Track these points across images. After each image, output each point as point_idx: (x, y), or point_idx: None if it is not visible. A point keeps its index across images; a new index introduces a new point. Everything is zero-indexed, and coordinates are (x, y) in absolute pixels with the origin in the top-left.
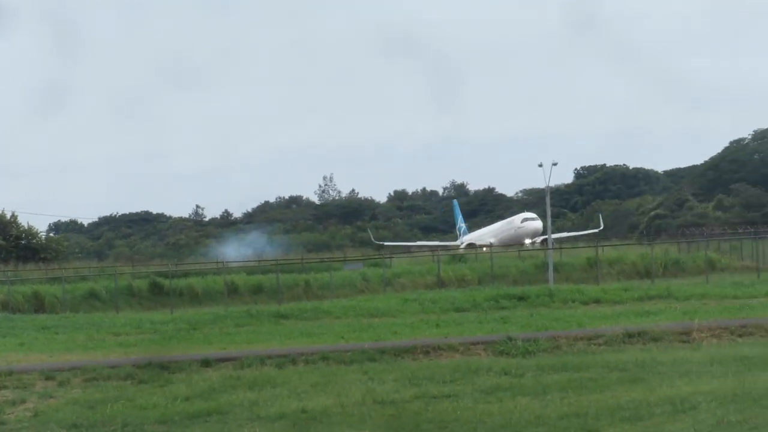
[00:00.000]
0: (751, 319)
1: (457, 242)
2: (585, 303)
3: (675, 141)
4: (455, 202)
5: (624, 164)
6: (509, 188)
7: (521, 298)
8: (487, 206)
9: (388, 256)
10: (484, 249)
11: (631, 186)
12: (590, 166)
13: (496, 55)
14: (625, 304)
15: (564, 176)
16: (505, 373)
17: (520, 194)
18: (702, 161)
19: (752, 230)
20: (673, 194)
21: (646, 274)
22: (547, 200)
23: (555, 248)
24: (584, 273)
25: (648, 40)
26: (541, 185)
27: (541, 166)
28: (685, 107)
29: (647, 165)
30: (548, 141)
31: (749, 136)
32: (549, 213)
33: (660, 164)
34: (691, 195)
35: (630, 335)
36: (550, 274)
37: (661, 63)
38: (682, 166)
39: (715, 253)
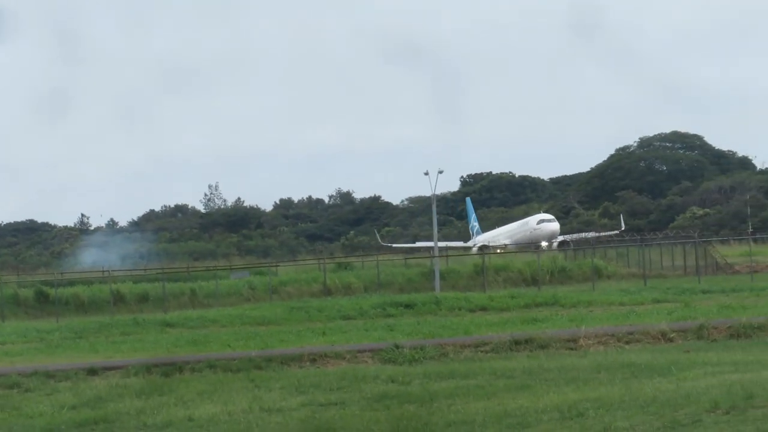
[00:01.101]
0: (637, 326)
1: (470, 243)
2: (472, 310)
3: (561, 149)
4: (468, 200)
5: (510, 172)
6: (395, 196)
7: (408, 306)
8: (373, 214)
9: (274, 264)
10: (498, 251)
11: (517, 194)
12: (476, 174)
13: (382, 63)
14: (512, 311)
15: (450, 184)
16: (392, 381)
17: (406, 202)
18: (588, 169)
19: (638, 237)
20: (560, 202)
21: (533, 281)
22: (434, 208)
23: (441, 255)
24: (471, 280)
25: (533, 47)
26: (428, 193)
27: (427, 174)
28: (572, 117)
29: (533, 173)
30: (434, 149)
31: (635, 144)
32: (435, 221)
33: (546, 172)
34: (577, 202)
35: (517, 342)
36: (437, 281)
37: (548, 71)
38: (569, 173)
39: (602, 261)
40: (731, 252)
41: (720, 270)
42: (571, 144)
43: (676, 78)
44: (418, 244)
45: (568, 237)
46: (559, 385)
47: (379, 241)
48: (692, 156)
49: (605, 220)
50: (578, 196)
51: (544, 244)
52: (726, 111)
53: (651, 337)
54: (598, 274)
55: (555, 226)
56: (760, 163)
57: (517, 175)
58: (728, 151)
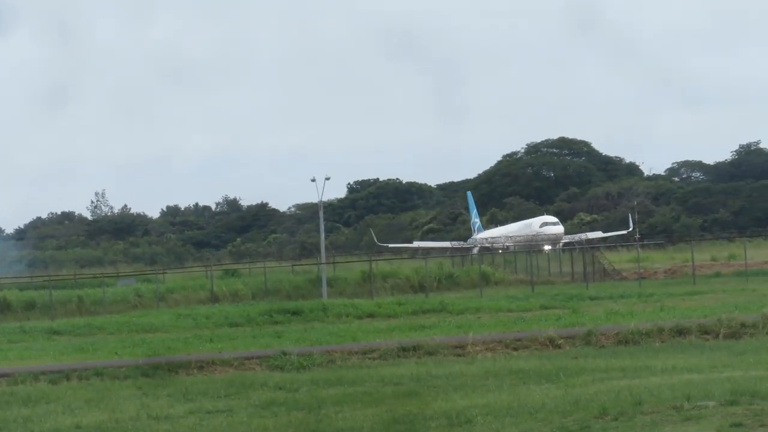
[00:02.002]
0: (525, 333)
1: (470, 242)
2: (359, 317)
3: (449, 155)
4: (469, 194)
5: (397, 178)
6: (282, 203)
7: (295, 313)
8: (260, 221)
9: (161, 271)
10: (500, 251)
11: (405, 200)
12: (363, 181)
13: (272, 69)
14: (400, 318)
15: (337, 191)
16: (280, 388)
17: (293, 209)
18: (475, 175)
19: (526, 243)
20: (447, 208)
21: (420, 288)
22: (320, 215)
23: (328, 263)
24: (358, 287)
25: (426, 55)
26: (315, 200)
27: (314, 180)
28: (460, 124)
29: (421, 179)
30: (322, 155)
31: (522, 150)
32: (322, 228)
33: (433, 178)
34: (465, 209)
35: (405, 349)
36: (324, 288)
37: (437, 77)
38: (456, 180)
39: (489, 267)
40: (619, 258)
41: (608, 276)
42: (459, 150)
43: (555, 87)
44: (416, 243)
45: (574, 237)
46: (448, 391)
47: (375, 240)
48: (579, 162)
49: (492, 226)
50: (466, 203)
51: (547, 247)
52: (612, 118)
53: (539, 343)
54: (485, 280)
55: (559, 229)
56: (647, 170)
57: (404, 182)
58: (615, 157)
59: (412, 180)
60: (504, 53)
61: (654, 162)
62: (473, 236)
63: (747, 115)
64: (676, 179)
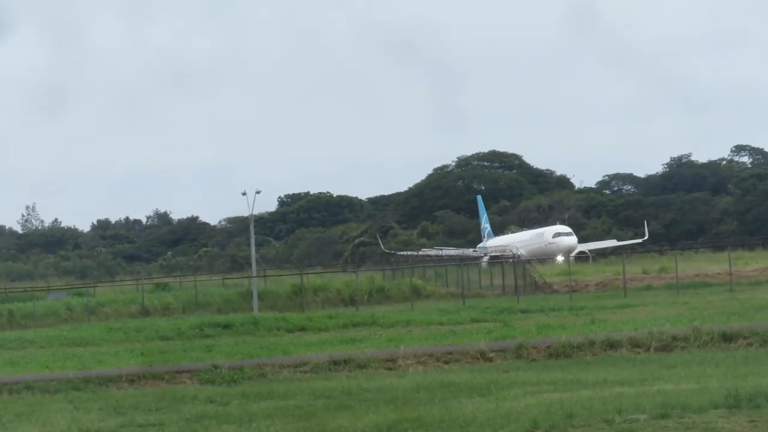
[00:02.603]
0: (456, 346)
1: (479, 249)
2: (290, 331)
3: (381, 169)
4: (479, 198)
5: (328, 192)
6: (213, 217)
7: (226, 327)
8: (191, 235)
9: (92, 284)
10: (510, 261)
11: (336, 214)
12: (294, 194)
13: (196, 83)
14: (331, 331)
15: (268, 204)
16: (211, 402)
17: (224, 222)
18: (406, 188)
19: (457, 256)
20: (378, 222)
21: (351, 301)
22: (251, 228)
23: (259, 276)
24: (289, 301)
25: (354, 66)
26: (246, 213)
27: (244, 194)
28: (391, 136)
29: (351, 192)
30: (253, 169)
31: (453, 163)
32: (253, 241)
33: (364, 192)
34: (396, 222)
35: (336, 362)
36: (255, 302)
37: (374, 93)
38: (387, 193)
39: (420, 280)
40: (550, 271)
41: (539, 289)
42: (389, 163)
43: (484, 99)
44: (424, 251)
45: (590, 246)
46: (378, 405)
47: (382, 247)
48: (510, 175)
49: (423, 240)
50: (396, 216)
51: (559, 259)
52: (542, 127)
53: (470, 356)
54: (416, 293)
55: (572, 240)
56: (578, 182)
57: (335, 195)
58: (546, 170)
59: (343, 193)
60: (437, 65)
61: (585, 175)
62: (483, 243)
63: (678, 127)
64: (607, 192)
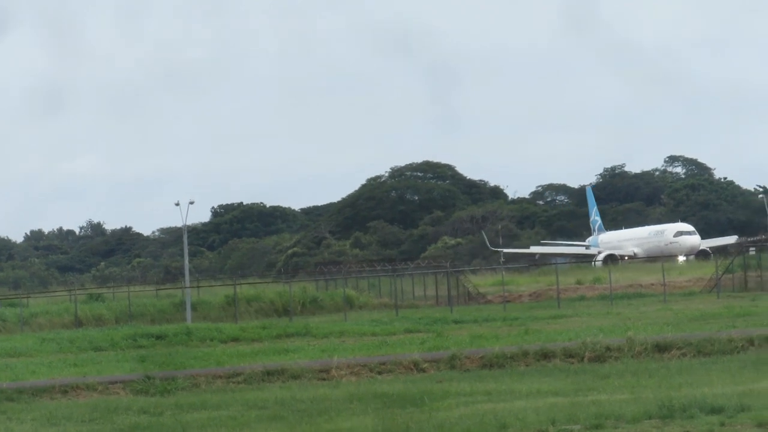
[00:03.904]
0: (390, 356)
1: (590, 242)
2: (223, 341)
3: (315, 180)
4: (589, 189)
5: (261, 202)
6: (146, 227)
7: (159, 337)
8: (124, 245)
9: (25, 295)
10: (626, 258)
11: (269, 224)
12: (227, 205)
13: (132, 93)
14: (264, 341)
15: (201, 215)
16: (144, 412)
17: (157, 233)
18: (340, 198)
19: (390, 267)
20: (311, 232)
21: (285, 311)
22: (185, 239)
23: (192, 287)
24: (223, 311)
25: (288, 75)
26: (179, 224)
27: (178, 204)
28: (320, 146)
29: (285, 203)
30: (187, 179)
31: (386, 174)
32: (186, 252)
33: (297, 202)
34: (329, 233)
35: (269, 373)
36: (188, 312)
37: (307, 103)
38: (320, 204)
39: (353, 291)
40: (483, 281)
41: (472, 300)
42: (323, 174)
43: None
44: (533, 248)
45: (712, 243)
46: (312, 415)
47: (487, 244)
48: (444, 185)
49: (356, 250)
50: (330, 226)
51: (681, 258)
52: (476, 138)
53: (403, 367)
54: (350, 304)
55: (696, 240)
56: (511, 193)
57: (268, 206)
58: (480, 180)
59: (276, 204)
60: (365, 77)
61: (519, 185)
62: (594, 236)
63: (612, 138)
64: (541, 203)
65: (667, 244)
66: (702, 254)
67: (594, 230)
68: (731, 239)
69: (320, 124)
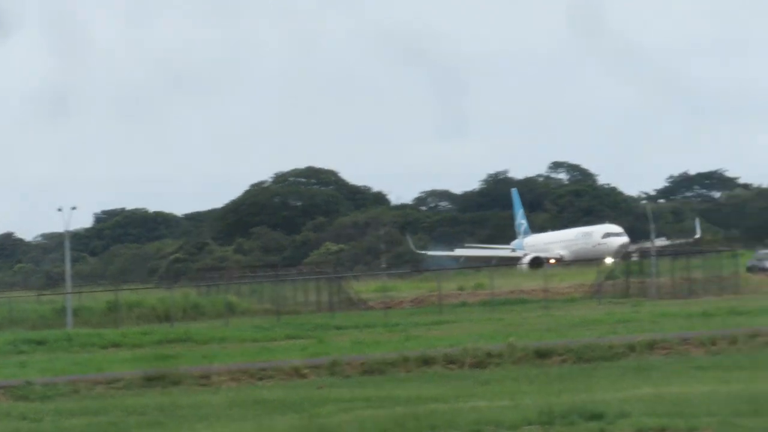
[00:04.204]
0: (270, 362)
1: (515, 246)
2: (104, 347)
3: (197, 185)
4: (515, 191)
5: (144, 208)
6: (28, 233)
7: (40, 343)
8: (5, 251)
9: None
10: (551, 261)
11: (152, 230)
12: (110, 210)
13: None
14: (145, 347)
15: (84, 221)
16: (24, 418)
17: (39, 238)
18: (223, 204)
19: (273, 273)
20: (194, 238)
21: (166, 317)
22: (66, 245)
23: (74, 292)
24: (104, 317)
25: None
26: (61, 229)
27: (60, 210)
28: (209, 152)
29: (167, 209)
30: (69, 184)
31: (270, 179)
32: (68, 257)
33: (181, 208)
34: (212, 239)
35: (150, 379)
36: (69, 318)
37: (195, 108)
38: (203, 209)
39: (235, 297)
40: (366, 287)
41: (354, 306)
42: (205, 180)
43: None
44: (458, 251)
45: (642, 247)
46: (192, 421)
47: (412, 247)
48: (327, 191)
49: (239, 256)
50: (212, 232)
51: (608, 261)
52: (359, 148)
53: (284, 373)
54: (231, 310)
55: (624, 240)
56: (394, 199)
57: (151, 211)
58: (363, 186)
59: (159, 210)
60: (246, 83)
61: (402, 191)
62: (519, 239)
63: (496, 145)
64: (424, 208)
65: (594, 246)
66: (627, 256)
67: (519, 233)
68: (661, 241)
69: (203, 129)
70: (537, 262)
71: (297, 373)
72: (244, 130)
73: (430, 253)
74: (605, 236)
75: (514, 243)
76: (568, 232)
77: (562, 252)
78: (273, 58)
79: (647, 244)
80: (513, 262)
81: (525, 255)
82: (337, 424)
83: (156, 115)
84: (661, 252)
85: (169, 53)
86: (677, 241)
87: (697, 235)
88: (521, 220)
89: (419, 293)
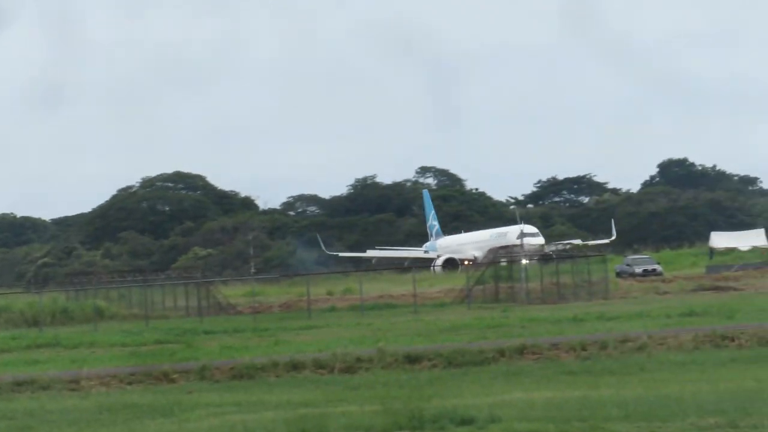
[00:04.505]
0: (139, 367)
1: (428, 247)
2: None
3: (65, 189)
4: (426, 192)
5: (12, 213)
6: None
7: None
8: None
9: None
10: (466, 263)
11: (19, 234)
12: None
13: None
14: (14, 352)
15: None
16: None
17: None
18: (90, 209)
19: (141, 278)
20: (61, 243)
21: (35, 322)
22: None
23: None
24: None
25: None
26: None
27: None
28: (77, 156)
29: (35, 214)
30: None
31: (137, 184)
32: None
33: (49, 212)
34: (80, 243)
35: (18, 384)
36: None
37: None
38: (70, 214)
39: (104, 301)
40: (234, 292)
41: (223, 310)
42: (76, 184)
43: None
44: (370, 252)
45: (558, 247)
46: (61, 426)
47: (322, 247)
48: (195, 196)
49: (107, 261)
50: (80, 237)
51: (524, 261)
52: (226, 152)
53: (153, 378)
54: (100, 314)
55: (539, 240)
56: (262, 204)
57: (18, 216)
58: (231, 191)
59: (27, 214)
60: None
61: (270, 196)
62: (432, 241)
63: (363, 150)
64: (292, 213)
65: (510, 246)
66: (544, 258)
67: (431, 235)
68: (575, 242)
69: (71, 136)
70: (451, 264)
71: (166, 377)
72: (109, 135)
73: (341, 254)
74: (520, 236)
75: (427, 245)
76: (482, 233)
77: (476, 253)
78: (119, 64)
79: (560, 245)
80: (427, 263)
81: (438, 257)
82: (206, 429)
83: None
84: (531, 257)
85: None
86: (594, 242)
87: (613, 236)
88: (433, 222)
89: (288, 298)
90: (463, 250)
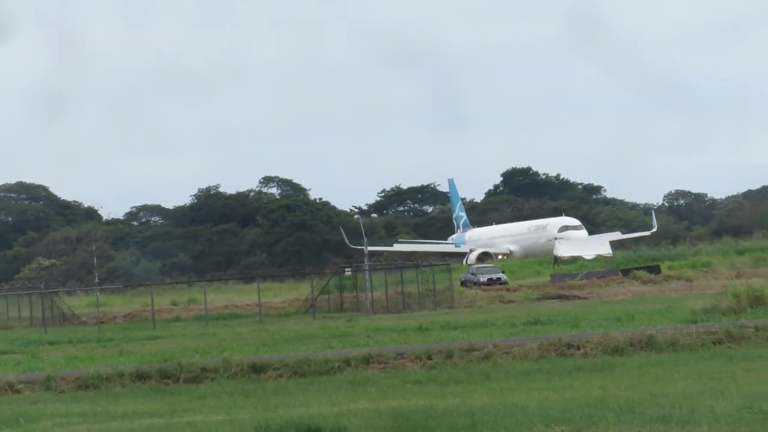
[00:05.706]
0: None
1: (455, 240)
2: None
3: None
4: (451, 180)
5: None
6: None
7: None
8: None
9: None
10: (500, 257)
11: None
12: None
13: None
14: None
15: None
16: None
17: None
18: None
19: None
20: None
21: None
22: None
23: None
24: None
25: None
26: None
27: None
28: None
29: None
30: None
31: None
32: None
33: None
34: None
35: None
36: None
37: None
38: None
39: None
40: (78, 303)
41: (67, 321)
42: None
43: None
44: (397, 246)
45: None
46: None
47: (346, 240)
48: (38, 207)
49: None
50: None
51: (564, 255)
52: (73, 163)
53: None
54: None
55: (583, 234)
56: (106, 214)
57: None
58: (74, 201)
59: None
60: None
61: (114, 207)
62: (459, 234)
63: (207, 158)
64: (136, 223)
65: (548, 241)
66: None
67: (458, 227)
68: (615, 235)
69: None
70: (486, 257)
71: (11, 388)
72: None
73: (370, 248)
74: (562, 230)
75: (454, 237)
76: (518, 225)
77: (512, 247)
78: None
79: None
80: (458, 257)
81: (471, 251)
82: None
83: None
84: (374, 266)
85: None
86: (634, 235)
87: (654, 228)
88: (460, 213)
89: (132, 308)
90: (495, 244)
